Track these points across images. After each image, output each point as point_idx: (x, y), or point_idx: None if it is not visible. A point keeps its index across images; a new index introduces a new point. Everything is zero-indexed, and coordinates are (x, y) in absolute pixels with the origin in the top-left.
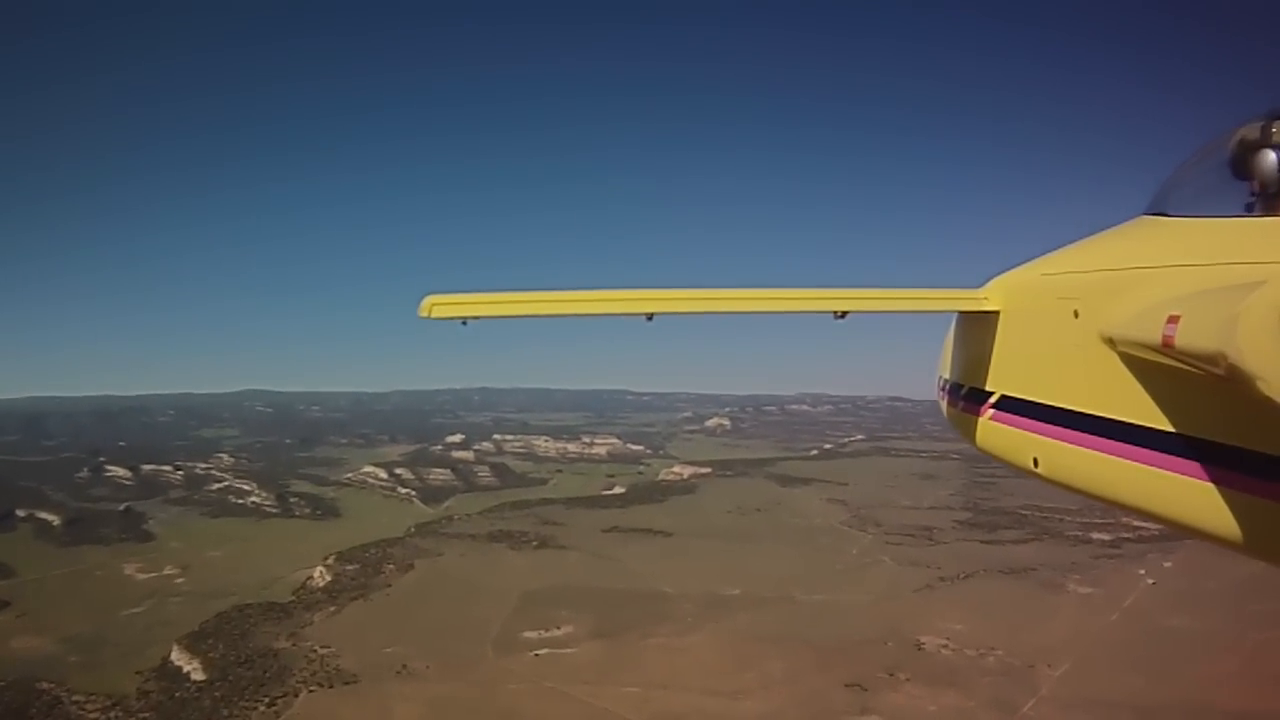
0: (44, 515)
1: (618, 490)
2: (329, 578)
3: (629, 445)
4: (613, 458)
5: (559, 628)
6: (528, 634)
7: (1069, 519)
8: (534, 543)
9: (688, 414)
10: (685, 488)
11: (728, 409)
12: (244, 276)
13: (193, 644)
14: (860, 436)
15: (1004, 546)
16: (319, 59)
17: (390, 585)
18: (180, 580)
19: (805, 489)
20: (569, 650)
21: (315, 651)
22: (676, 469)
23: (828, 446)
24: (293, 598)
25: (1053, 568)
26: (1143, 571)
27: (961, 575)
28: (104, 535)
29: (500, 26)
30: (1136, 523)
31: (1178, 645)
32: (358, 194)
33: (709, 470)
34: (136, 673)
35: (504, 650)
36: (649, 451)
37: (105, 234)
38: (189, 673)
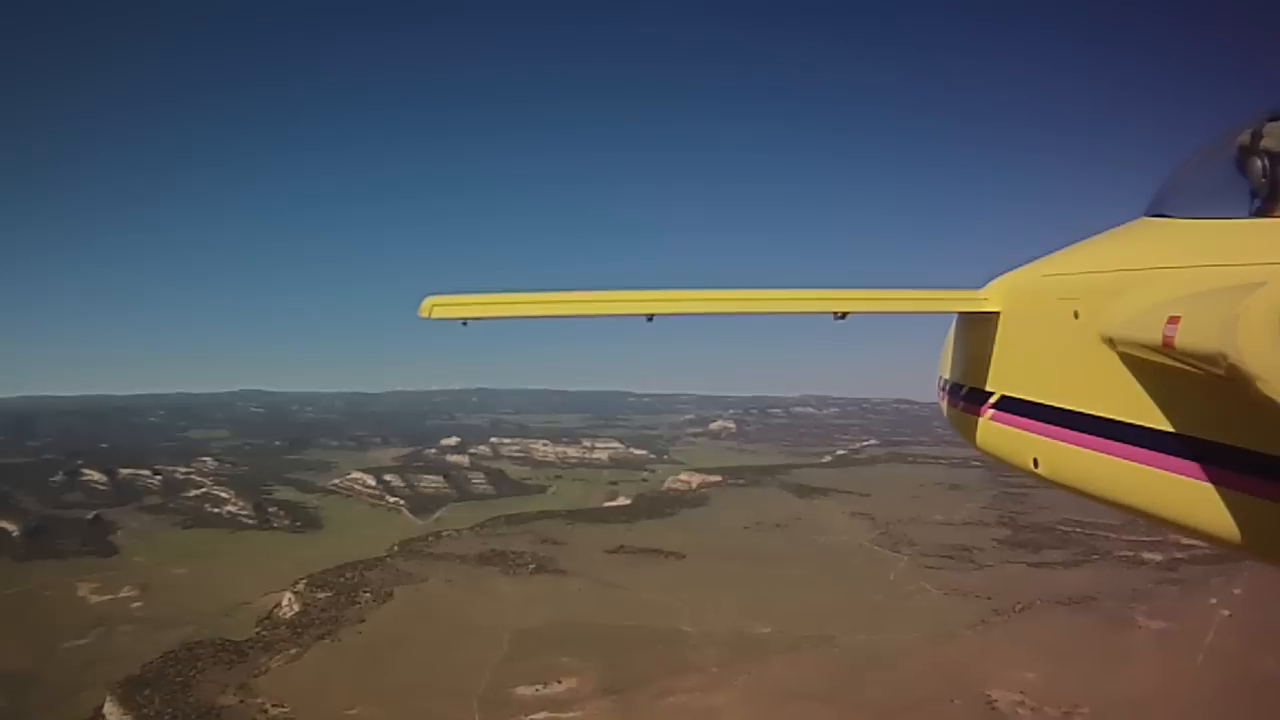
0: (4, 524)
1: (622, 501)
2: (297, 607)
3: (632, 450)
4: (615, 463)
5: (559, 681)
6: (521, 690)
7: (1114, 536)
8: (530, 566)
9: (690, 416)
10: (695, 499)
11: (731, 411)
12: (241, 276)
13: (129, 693)
14: (872, 441)
15: (1054, 571)
16: (312, 57)
17: (364, 620)
18: (136, 604)
19: (825, 500)
20: (572, 715)
21: (265, 712)
22: (684, 476)
23: (840, 452)
24: (252, 633)
25: (1114, 596)
26: (1214, 601)
27: (1017, 607)
28: (64, 548)
29: (504, 28)
30: (1186, 541)
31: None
32: (357, 193)
33: (719, 478)
34: None
35: (492, 714)
36: (653, 456)
37: (103, 233)
38: None
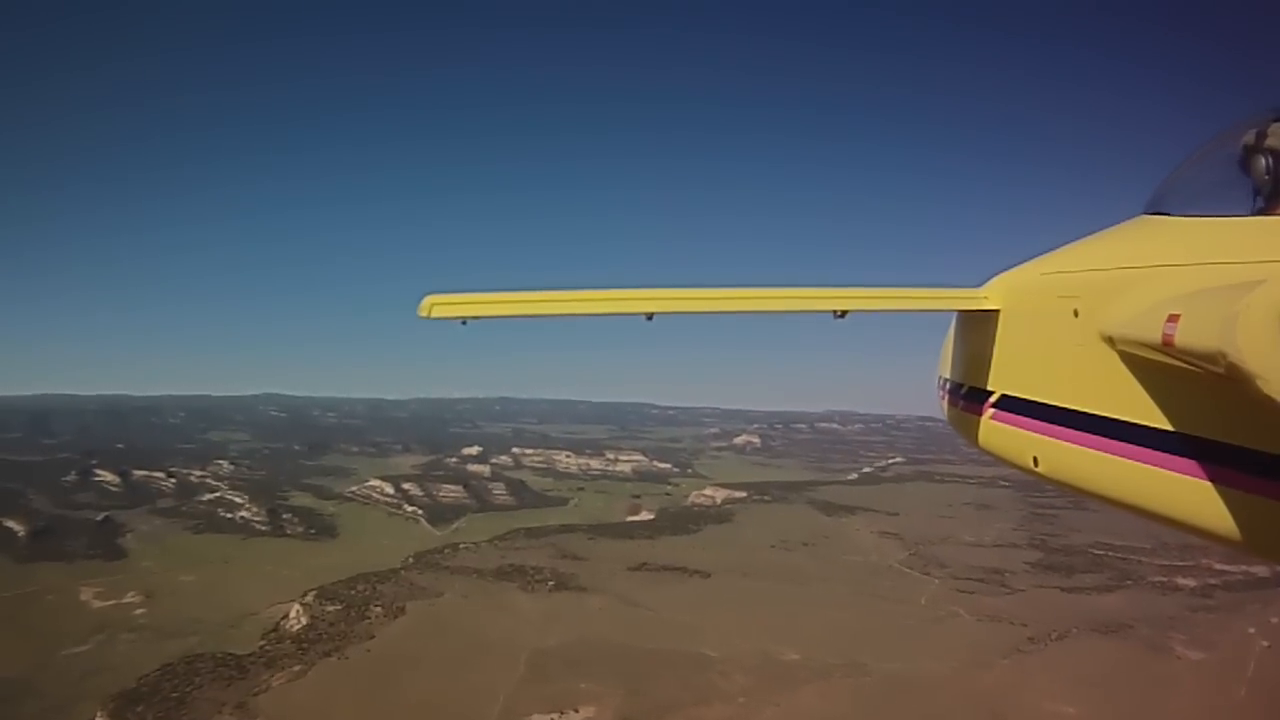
0: (11, 524)
1: (645, 516)
2: (305, 620)
3: (655, 463)
4: (638, 475)
5: (576, 710)
6: (536, 718)
7: (1146, 560)
8: (550, 582)
9: (714, 430)
10: (720, 514)
11: (756, 425)
12: (267, 279)
13: (122, 709)
14: (898, 459)
15: (1088, 596)
16: (340, 56)
17: (373, 637)
18: (140, 611)
19: (852, 519)
20: None
21: None
22: (708, 491)
23: (867, 470)
24: (256, 647)
25: (1150, 624)
26: (1252, 630)
27: (1053, 635)
28: (70, 550)
29: (513, 31)
30: (1219, 565)
31: None
32: (386, 196)
33: (744, 494)
34: None
35: None
36: (676, 470)
37: (128, 231)
38: None
